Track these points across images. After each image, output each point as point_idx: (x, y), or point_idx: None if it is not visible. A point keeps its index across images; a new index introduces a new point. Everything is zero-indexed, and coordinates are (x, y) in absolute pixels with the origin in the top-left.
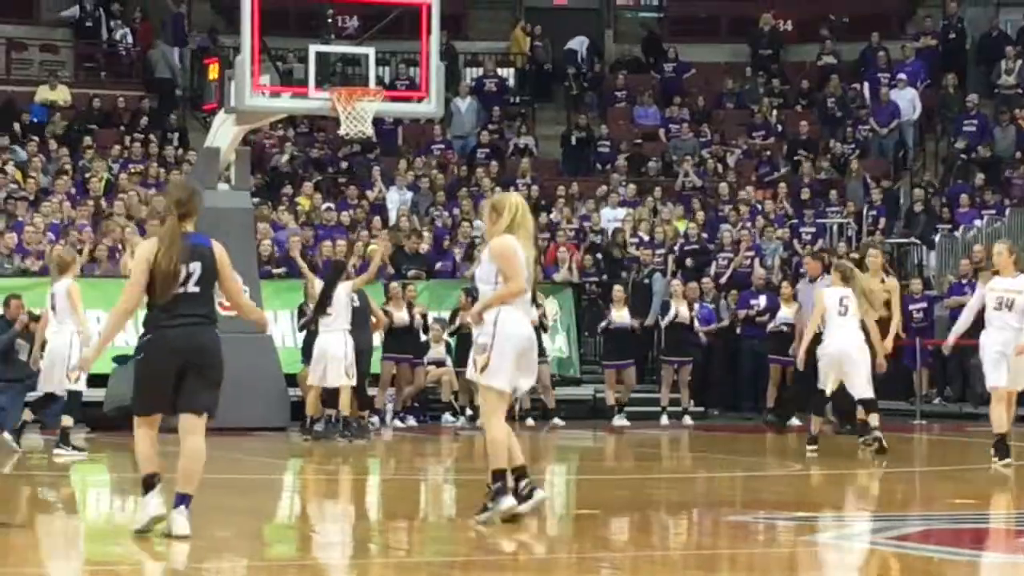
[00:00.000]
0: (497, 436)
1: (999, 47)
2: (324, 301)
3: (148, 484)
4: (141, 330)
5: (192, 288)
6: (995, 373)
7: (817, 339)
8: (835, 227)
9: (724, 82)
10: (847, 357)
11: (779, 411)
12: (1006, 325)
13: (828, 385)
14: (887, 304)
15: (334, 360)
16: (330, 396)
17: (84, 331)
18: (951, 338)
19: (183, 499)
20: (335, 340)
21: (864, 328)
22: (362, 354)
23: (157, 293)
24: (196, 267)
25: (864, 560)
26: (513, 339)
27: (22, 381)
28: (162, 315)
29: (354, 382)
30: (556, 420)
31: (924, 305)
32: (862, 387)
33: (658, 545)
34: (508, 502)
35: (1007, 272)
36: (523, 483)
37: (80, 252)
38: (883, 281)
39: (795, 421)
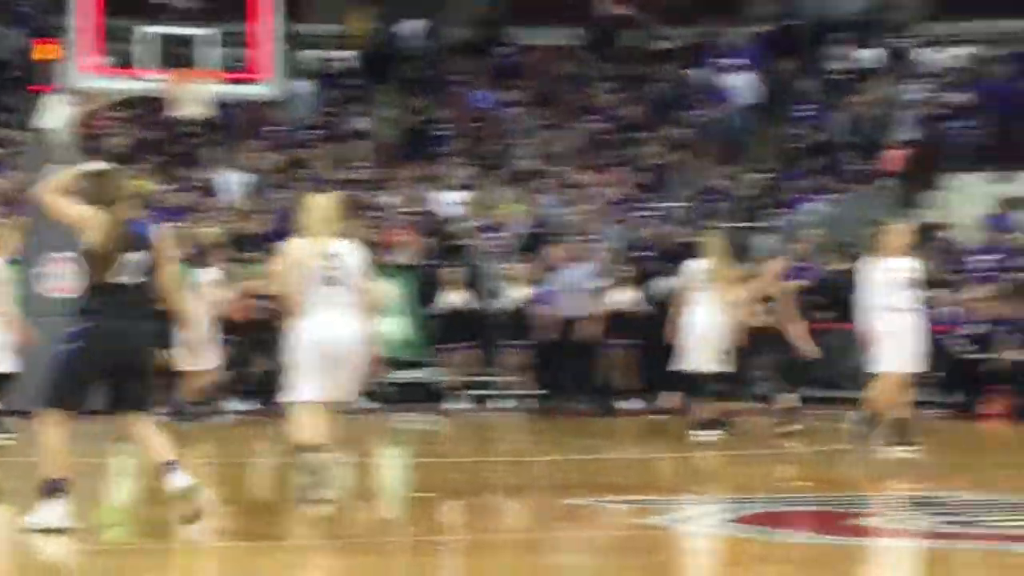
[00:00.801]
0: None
1: (833, 33)
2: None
3: (57, 489)
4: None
5: (127, 278)
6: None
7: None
8: (674, 212)
9: (561, 66)
10: (704, 332)
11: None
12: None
13: (691, 363)
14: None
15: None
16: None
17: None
18: None
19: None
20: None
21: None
22: None
23: (93, 278)
24: (134, 255)
25: (695, 542)
26: (311, 347)
27: None
28: (100, 304)
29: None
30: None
31: None
32: (709, 362)
33: (492, 528)
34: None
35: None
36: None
37: None
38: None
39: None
